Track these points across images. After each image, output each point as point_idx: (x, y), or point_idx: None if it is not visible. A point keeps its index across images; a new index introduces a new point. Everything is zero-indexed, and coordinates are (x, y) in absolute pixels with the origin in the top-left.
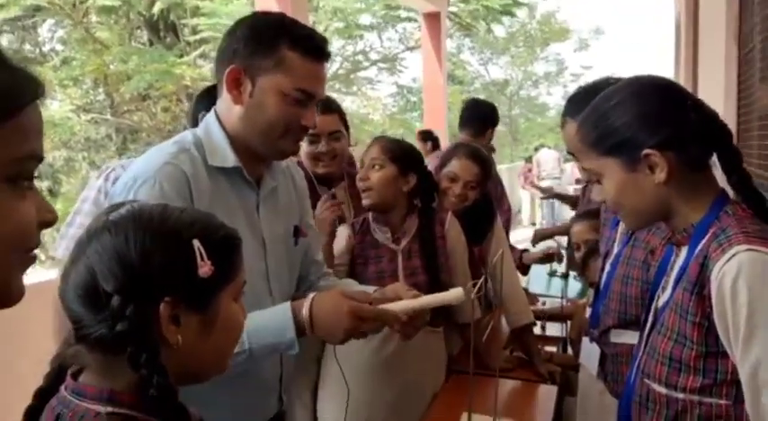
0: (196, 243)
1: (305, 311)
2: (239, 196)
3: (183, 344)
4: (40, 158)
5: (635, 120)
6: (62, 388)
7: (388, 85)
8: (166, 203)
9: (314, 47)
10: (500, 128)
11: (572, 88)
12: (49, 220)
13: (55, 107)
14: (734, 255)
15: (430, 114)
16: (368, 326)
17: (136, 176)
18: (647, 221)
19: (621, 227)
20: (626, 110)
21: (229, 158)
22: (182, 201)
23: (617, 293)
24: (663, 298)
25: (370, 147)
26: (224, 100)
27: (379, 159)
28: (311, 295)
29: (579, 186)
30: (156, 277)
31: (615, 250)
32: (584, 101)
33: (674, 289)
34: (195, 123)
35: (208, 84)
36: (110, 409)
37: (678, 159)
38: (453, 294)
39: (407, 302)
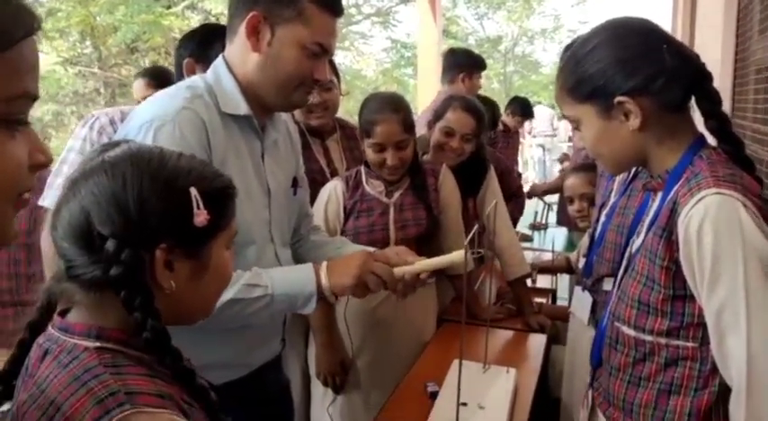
0: (193, 191)
1: (323, 264)
2: (248, 144)
3: (174, 289)
4: (35, 97)
5: (609, 67)
6: (49, 326)
7: (382, 40)
8: (162, 147)
9: (333, 1)
10: (495, 85)
11: None
12: (42, 162)
13: (41, 59)
14: (701, 199)
15: (424, 70)
16: (373, 279)
17: (153, 119)
18: (625, 167)
19: (619, 177)
20: (600, 56)
21: (241, 106)
22: (200, 148)
23: (611, 243)
24: (636, 243)
25: (386, 127)
26: (238, 47)
27: (404, 140)
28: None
29: (572, 144)
30: (153, 223)
31: (612, 200)
32: None
33: (646, 234)
34: (180, 70)
35: None
36: (98, 344)
37: (653, 104)
38: (456, 256)
39: (414, 266)
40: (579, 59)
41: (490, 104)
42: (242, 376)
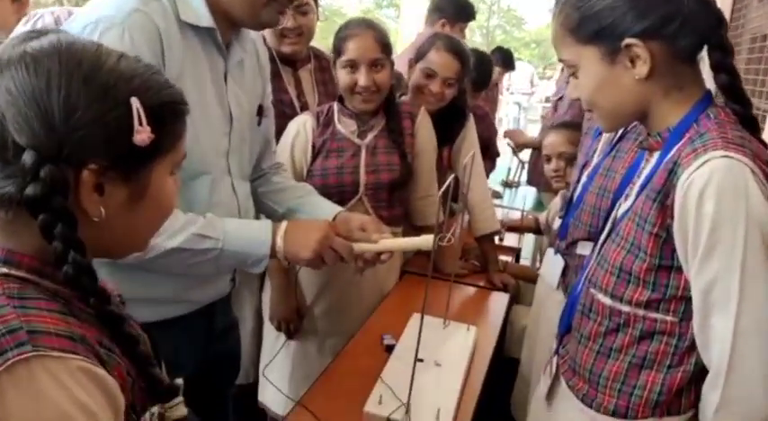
0: (135, 102)
1: (282, 228)
2: (209, 61)
3: (103, 217)
4: None
5: (619, 4)
6: None
7: None
8: (100, 43)
9: None
10: (477, 38)
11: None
12: None
13: None
14: (706, 162)
15: (407, 12)
16: (331, 255)
17: (99, 19)
18: (623, 122)
19: (605, 136)
20: None
21: (204, 17)
22: (153, 58)
23: (591, 206)
24: (624, 206)
25: (360, 41)
26: None
27: (379, 60)
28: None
29: (549, 105)
30: (82, 137)
31: (595, 161)
32: None
33: (637, 197)
34: None
35: None
36: (4, 271)
37: (664, 50)
38: (422, 241)
39: (376, 246)
40: None
41: (483, 59)
42: (187, 312)
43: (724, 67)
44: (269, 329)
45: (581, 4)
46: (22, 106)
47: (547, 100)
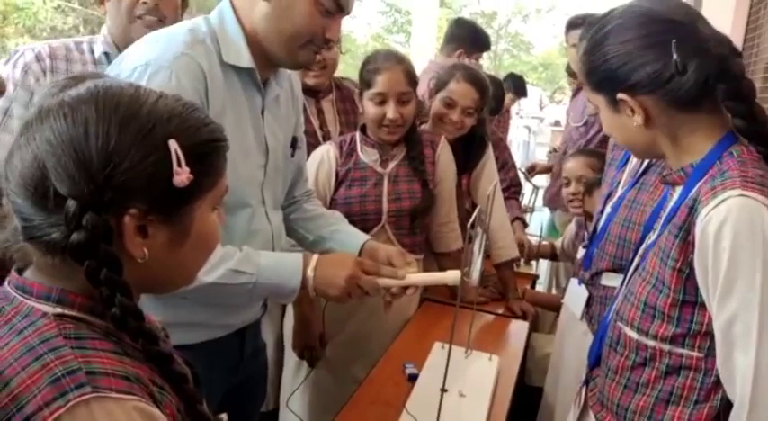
0: (173, 144)
1: (312, 262)
2: (248, 99)
3: (148, 258)
4: None
5: (614, 59)
6: (6, 282)
7: (376, 2)
8: (138, 86)
9: None
10: (484, 62)
11: (561, 27)
12: None
13: None
14: (724, 200)
15: (418, 38)
16: (358, 292)
17: (148, 63)
18: (644, 156)
19: (629, 168)
20: (607, 47)
21: (245, 58)
22: (197, 99)
23: (615, 237)
24: (651, 240)
25: (390, 75)
26: None
27: (407, 94)
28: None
29: (557, 128)
30: (122, 183)
31: (619, 192)
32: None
33: (661, 231)
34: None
35: None
36: (59, 310)
37: (657, 102)
38: (451, 276)
39: (403, 281)
40: (591, 47)
41: (494, 83)
42: (221, 336)
43: (738, 113)
44: (290, 356)
45: (586, 57)
46: (62, 155)
47: (556, 123)
